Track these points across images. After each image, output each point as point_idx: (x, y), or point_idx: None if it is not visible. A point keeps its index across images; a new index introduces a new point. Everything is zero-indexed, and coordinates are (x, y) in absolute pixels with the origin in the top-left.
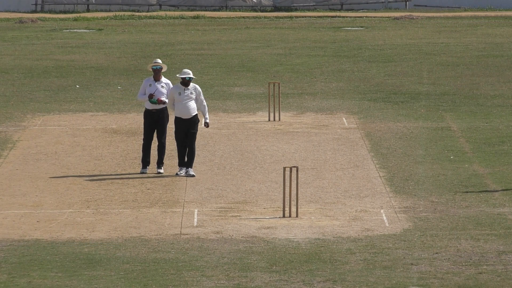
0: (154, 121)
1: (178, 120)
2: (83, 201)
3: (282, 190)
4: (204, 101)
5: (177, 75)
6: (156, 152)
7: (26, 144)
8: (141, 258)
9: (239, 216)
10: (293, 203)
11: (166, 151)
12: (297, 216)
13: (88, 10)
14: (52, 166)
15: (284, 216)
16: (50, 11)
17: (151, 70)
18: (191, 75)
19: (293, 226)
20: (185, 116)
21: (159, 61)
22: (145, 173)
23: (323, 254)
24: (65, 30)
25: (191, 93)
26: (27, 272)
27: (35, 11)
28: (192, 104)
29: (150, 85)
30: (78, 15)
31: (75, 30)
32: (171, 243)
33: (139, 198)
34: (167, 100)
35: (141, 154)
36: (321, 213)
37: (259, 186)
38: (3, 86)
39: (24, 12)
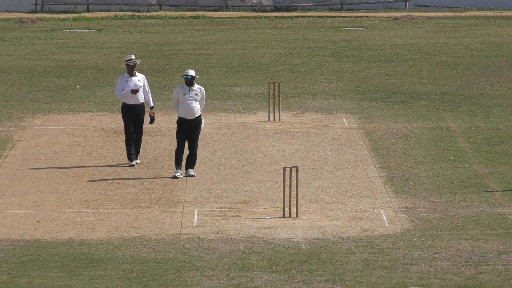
0: (135, 115)
1: (181, 121)
2: (83, 201)
3: (282, 190)
4: (204, 101)
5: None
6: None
7: (26, 144)
8: (141, 258)
9: (239, 216)
10: (293, 203)
11: (166, 151)
12: (297, 216)
13: (88, 10)
14: (52, 166)
15: (284, 216)
16: (50, 11)
17: (125, 66)
18: (193, 74)
19: (293, 226)
20: (189, 116)
21: (133, 56)
22: (134, 165)
23: (323, 254)
24: (65, 30)
25: (196, 94)
26: (27, 272)
27: (35, 11)
28: (197, 105)
29: (127, 81)
30: (78, 15)
31: (75, 30)
32: (171, 243)
33: (139, 198)
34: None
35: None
36: (321, 213)
37: (259, 186)
38: (3, 86)
39: (24, 12)
